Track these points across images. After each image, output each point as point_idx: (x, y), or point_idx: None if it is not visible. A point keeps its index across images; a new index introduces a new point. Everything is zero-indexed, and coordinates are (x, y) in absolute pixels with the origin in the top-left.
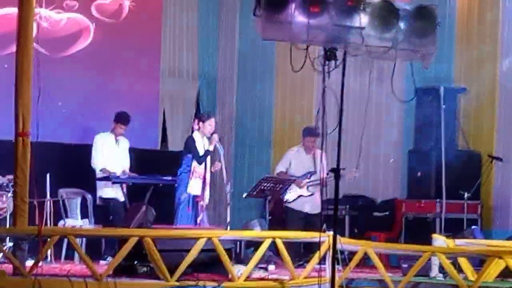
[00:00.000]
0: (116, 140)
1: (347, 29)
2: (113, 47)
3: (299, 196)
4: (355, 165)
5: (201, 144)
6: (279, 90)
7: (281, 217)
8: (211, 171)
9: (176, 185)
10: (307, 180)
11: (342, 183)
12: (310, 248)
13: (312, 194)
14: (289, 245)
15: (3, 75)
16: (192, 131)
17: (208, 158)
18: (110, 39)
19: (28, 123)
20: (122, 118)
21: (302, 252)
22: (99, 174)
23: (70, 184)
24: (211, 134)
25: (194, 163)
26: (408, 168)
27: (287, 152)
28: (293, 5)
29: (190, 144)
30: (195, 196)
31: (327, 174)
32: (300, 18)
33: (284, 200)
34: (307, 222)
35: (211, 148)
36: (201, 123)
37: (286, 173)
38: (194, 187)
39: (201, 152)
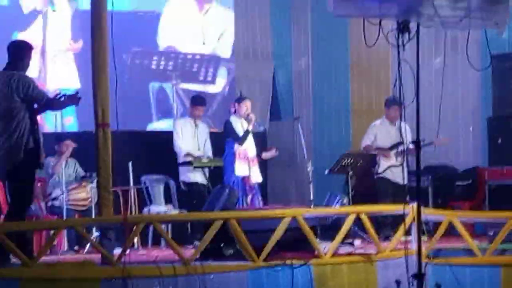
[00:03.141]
0: (196, 124)
1: (419, 0)
2: None
3: (389, 167)
4: (433, 135)
5: (239, 126)
6: (355, 66)
7: (364, 192)
8: (260, 157)
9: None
10: (394, 151)
11: (424, 153)
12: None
13: (402, 164)
14: (376, 217)
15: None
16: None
17: (251, 139)
18: None
19: (107, 113)
20: (197, 100)
21: (390, 222)
22: (181, 159)
23: (152, 170)
24: (248, 115)
25: (236, 146)
26: (488, 136)
27: (371, 126)
28: None
29: (227, 127)
30: (243, 178)
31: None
32: None
33: (375, 172)
34: (398, 192)
35: (250, 128)
36: (236, 105)
37: (372, 146)
38: (240, 168)
39: (240, 134)
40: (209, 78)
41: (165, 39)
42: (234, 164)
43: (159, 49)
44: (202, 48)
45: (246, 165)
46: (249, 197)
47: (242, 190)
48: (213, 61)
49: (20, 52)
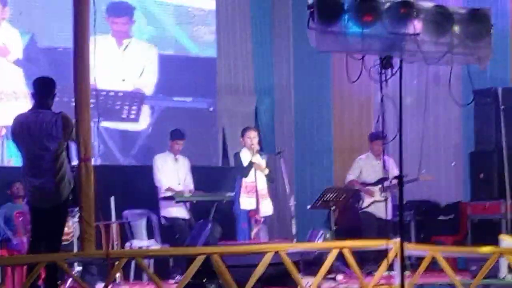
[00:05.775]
0: (176, 159)
1: (401, 36)
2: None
3: (373, 202)
4: (416, 170)
5: (248, 158)
6: (337, 101)
7: (347, 226)
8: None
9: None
10: (378, 187)
11: (406, 188)
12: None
13: (386, 199)
14: (359, 252)
15: None
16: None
17: (261, 174)
18: None
19: (90, 148)
20: (177, 134)
21: (373, 257)
22: (162, 194)
23: (134, 205)
24: (252, 146)
25: (243, 178)
26: (470, 170)
27: (356, 160)
28: (346, 16)
29: (235, 160)
30: (249, 211)
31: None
32: (354, 28)
33: (359, 206)
34: (382, 227)
35: (254, 160)
36: (240, 139)
37: (357, 181)
38: (245, 202)
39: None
40: (132, 116)
41: None
42: (240, 197)
43: None
44: (122, 85)
45: (253, 198)
46: (254, 231)
47: (248, 223)
48: (137, 98)
49: (48, 89)
